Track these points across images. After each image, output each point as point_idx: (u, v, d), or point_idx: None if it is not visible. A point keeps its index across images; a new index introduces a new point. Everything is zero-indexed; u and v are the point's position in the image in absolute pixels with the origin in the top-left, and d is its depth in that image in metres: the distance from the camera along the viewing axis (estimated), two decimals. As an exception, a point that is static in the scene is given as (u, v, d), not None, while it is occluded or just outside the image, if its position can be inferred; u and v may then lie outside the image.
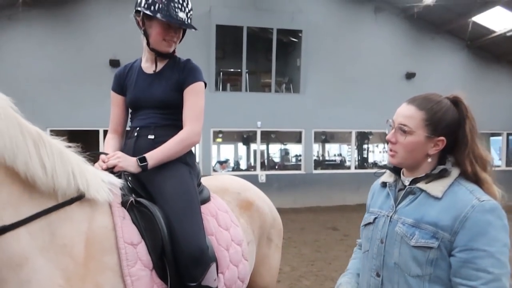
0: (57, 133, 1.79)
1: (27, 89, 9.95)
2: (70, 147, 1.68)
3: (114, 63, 11.06)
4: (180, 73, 2.05)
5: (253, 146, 14.62)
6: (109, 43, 11.00)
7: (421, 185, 1.36)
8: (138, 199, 1.81)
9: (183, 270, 1.76)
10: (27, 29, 10.65)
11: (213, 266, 1.88)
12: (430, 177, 1.35)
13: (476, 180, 1.33)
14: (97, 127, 10.80)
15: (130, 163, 1.86)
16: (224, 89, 12.18)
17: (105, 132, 10.09)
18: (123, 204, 1.76)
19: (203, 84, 2.08)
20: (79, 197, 1.61)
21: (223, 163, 14.61)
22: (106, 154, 1.94)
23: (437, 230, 1.26)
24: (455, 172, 1.35)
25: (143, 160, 1.87)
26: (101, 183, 1.70)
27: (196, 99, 2.03)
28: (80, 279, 1.51)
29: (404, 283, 1.31)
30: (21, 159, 1.42)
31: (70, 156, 1.64)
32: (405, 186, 1.42)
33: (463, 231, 1.23)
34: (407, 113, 1.37)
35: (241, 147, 16.96)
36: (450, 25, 12.63)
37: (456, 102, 1.38)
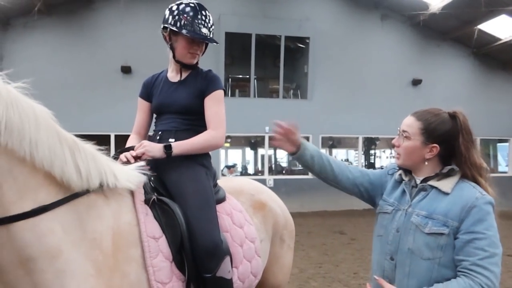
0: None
1: (41, 95, 10.16)
2: (100, 150, 1.87)
3: (125, 70, 11.33)
4: (202, 82, 2.21)
5: (260, 151, 14.79)
6: (120, 50, 11.27)
7: (432, 182, 1.60)
8: (160, 197, 1.97)
9: (199, 262, 1.92)
10: (42, 36, 10.96)
11: (227, 259, 2.02)
12: (440, 176, 1.60)
13: (475, 182, 1.59)
14: (108, 131, 11.04)
15: (156, 150, 2.04)
16: (232, 95, 12.39)
17: (116, 136, 10.34)
18: (146, 201, 1.92)
19: (222, 92, 2.24)
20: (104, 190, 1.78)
21: (230, 168, 14.77)
22: (132, 148, 2.11)
23: (447, 219, 1.51)
24: (459, 172, 1.61)
25: (169, 147, 2.04)
26: (131, 173, 1.88)
27: (218, 107, 2.19)
28: (109, 269, 1.66)
29: (416, 265, 1.54)
30: (58, 165, 1.59)
31: (101, 158, 1.82)
32: (417, 184, 1.66)
33: (468, 218, 1.48)
34: (408, 123, 1.67)
35: (249, 152, 17.13)
36: (456, 33, 12.78)
37: (454, 116, 1.63)
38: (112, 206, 1.79)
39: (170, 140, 2.14)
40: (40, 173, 1.56)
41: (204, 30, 2.15)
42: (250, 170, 15.06)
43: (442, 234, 1.50)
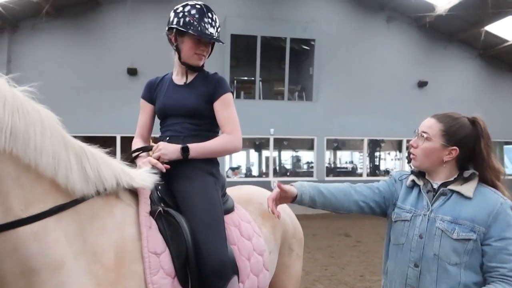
0: (75, 139, 1.89)
1: (48, 97, 10.23)
2: (109, 153, 1.82)
3: (131, 72, 11.39)
4: (209, 85, 2.14)
5: (264, 153, 14.79)
6: (127, 52, 11.35)
7: (453, 187, 1.60)
8: (166, 208, 1.88)
9: (206, 281, 1.83)
10: (50, 38, 11.07)
11: (235, 278, 1.93)
12: (460, 180, 1.61)
13: (492, 186, 1.61)
14: (114, 133, 11.10)
15: (172, 152, 1.99)
16: (238, 96, 12.41)
17: (122, 138, 10.38)
18: (152, 213, 1.83)
19: (231, 94, 2.18)
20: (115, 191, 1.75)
21: (235, 170, 14.77)
22: (147, 148, 2.09)
23: (474, 225, 1.52)
24: (477, 177, 1.62)
25: (186, 149, 1.99)
26: (145, 173, 1.84)
27: (230, 110, 2.14)
28: (110, 284, 1.60)
29: (443, 271, 1.55)
30: (62, 173, 1.55)
31: (113, 162, 1.77)
32: (433, 188, 1.66)
33: (496, 224, 1.51)
34: (428, 124, 1.67)
35: (253, 154, 17.14)
36: (462, 34, 12.72)
37: (473, 122, 1.65)
38: (116, 216, 1.74)
39: None
40: (45, 180, 1.53)
41: (211, 30, 2.11)
42: (255, 172, 15.04)
43: (469, 239, 1.52)
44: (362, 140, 13.33)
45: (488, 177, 1.60)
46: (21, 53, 10.91)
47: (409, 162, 1.79)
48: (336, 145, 15.30)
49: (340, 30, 12.51)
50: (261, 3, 12.15)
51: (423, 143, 1.64)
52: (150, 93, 2.28)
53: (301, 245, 2.63)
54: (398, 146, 14.38)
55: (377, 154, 15.26)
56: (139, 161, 2.06)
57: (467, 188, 1.58)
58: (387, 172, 14.83)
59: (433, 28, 12.54)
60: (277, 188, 1.72)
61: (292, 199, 1.76)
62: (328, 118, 12.32)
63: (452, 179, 1.63)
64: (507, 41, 12.36)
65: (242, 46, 12.06)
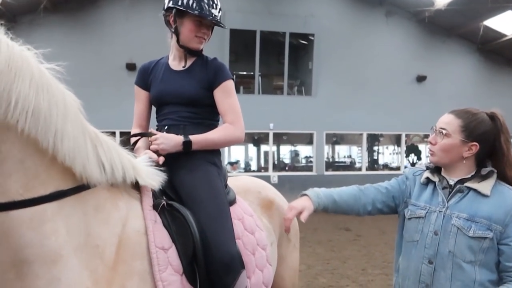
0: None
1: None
2: (119, 144, 1.73)
3: (130, 67, 11.36)
4: (208, 72, 2.01)
5: (263, 147, 14.82)
6: (125, 48, 11.30)
7: (470, 184, 1.59)
8: (170, 202, 1.78)
9: (214, 276, 1.73)
10: (48, 34, 10.99)
11: (244, 272, 1.84)
12: (478, 178, 1.59)
13: (511, 183, 1.59)
14: (114, 128, 11.07)
15: (172, 145, 1.86)
16: (237, 91, 12.00)
17: (121, 133, 10.37)
18: (155, 207, 1.73)
19: (232, 81, 2.05)
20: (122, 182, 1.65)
21: (233, 164, 14.81)
22: (151, 134, 1.94)
23: (491, 223, 1.52)
24: (495, 174, 1.60)
25: (188, 143, 1.88)
26: (151, 171, 1.74)
27: (231, 98, 2.01)
28: (107, 282, 1.49)
29: (457, 268, 1.55)
30: (80, 162, 1.46)
31: (123, 152, 1.68)
32: (449, 185, 1.64)
33: None
34: (446, 120, 1.64)
35: (251, 148, 17.17)
36: (461, 29, 12.74)
37: (492, 117, 1.63)
38: (121, 210, 1.63)
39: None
40: (58, 166, 1.43)
41: (214, 11, 1.97)
42: (253, 166, 15.08)
43: (485, 237, 1.52)
44: (361, 134, 13.37)
45: (508, 173, 1.58)
46: (41, 47, 10.84)
47: (418, 159, 1.77)
48: (335, 140, 15.35)
49: (339, 24, 12.50)
50: (260, -2, 12.12)
51: (442, 140, 1.61)
52: (144, 79, 2.12)
53: (297, 235, 2.56)
54: (396, 140, 14.44)
55: (375, 148, 15.33)
56: (136, 152, 1.91)
57: (485, 186, 1.57)
58: (385, 166, 14.90)
59: (432, 22, 12.55)
60: (294, 210, 1.72)
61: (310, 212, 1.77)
62: (327, 112, 12.35)
63: (469, 176, 1.61)
64: (505, 35, 12.39)
65: (241, 40, 12.04)
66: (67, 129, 1.43)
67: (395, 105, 12.62)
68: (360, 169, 13.77)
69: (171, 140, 1.87)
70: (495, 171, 1.59)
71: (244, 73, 12.71)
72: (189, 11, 1.91)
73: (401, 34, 13.00)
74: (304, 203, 1.74)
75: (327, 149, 14.13)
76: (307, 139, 13.70)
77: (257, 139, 14.84)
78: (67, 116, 1.44)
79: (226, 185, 2.11)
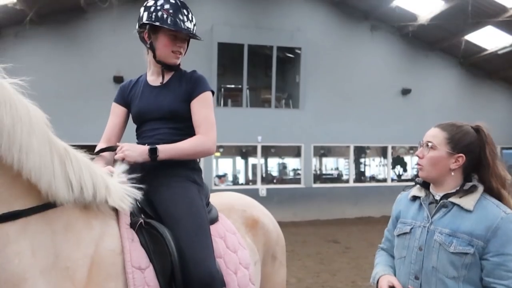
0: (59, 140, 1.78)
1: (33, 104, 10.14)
2: (92, 159, 1.69)
3: (118, 80, 11.30)
4: (188, 83, 2.01)
5: (251, 160, 14.81)
6: (113, 60, 11.26)
7: (454, 199, 1.59)
8: (148, 220, 1.74)
9: None
10: (34, 46, 10.90)
11: None
12: (461, 193, 1.59)
13: (498, 195, 1.59)
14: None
15: (138, 153, 1.81)
16: (225, 104, 12.43)
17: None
18: (132, 225, 1.69)
19: (211, 94, 2.04)
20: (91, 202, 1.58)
21: (221, 177, 14.74)
22: (112, 148, 1.88)
23: (472, 239, 1.51)
24: (481, 187, 1.59)
25: (154, 151, 1.83)
26: (125, 191, 1.67)
27: (207, 110, 1.99)
28: None
29: (441, 284, 1.54)
30: (45, 179, 1.40)
31: (95, 169, 1.63)
32: (436, 200, 1.65)
33: (495, 239, 1.48)
34: (432, 133, 1.66)
35: (239, 161, 17.13)
36: (443, 43, 13.07)
37: (477, 129, 1.65)
38: (94, 229, 1.56)
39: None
40: (23, 184, 1.38)
41: (188, 24, 1.96)
42: (241, 179, 15.03)
43: (467, 253, 1.50)
44: (348, 147, 13.48)
45: (494, 185, 1.58)
46: (4, 61, 10.69)
47: (415, 177, 1.76)
48: (322, 152, 15.44)
49: (325, 38, 12.69)
50: (248, 12, 12.26)
51: (429, 153, 1.62)
52: (123, 97, 2.11)
53: (283, 252, 2.51)
54: (383, 152, 14.59)
55: (362, 160, 15.45)
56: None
57: (468, 201, 1.56)
58: (372, 178, 15.01)
59: (415, 37, 12.84)
60: None
61: None
62: (314, 125, 12.44)
63: (454, 190, 1.61)
64: (485, 49, 12.73)
65: (229, 54, 12.11)
66: (32, 144, 1.38)
67: (381, 117, 12.80)
68: (347, 181, 13.84)
69: (137, 148, 1.84)
70: (479, 185, 1.60)
71: (232, 86, 12.75)
72: (163, 25, 1.91)
73: (385, 48, 13.26)
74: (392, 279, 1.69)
75: (314, 161, 14.21)
76: (295, 152, 13.75)
77: (245, 152, 14.83)
78: (32, 131, 1.40)
79: (208, 203, 2.07)
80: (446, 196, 1.62)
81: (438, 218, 1.60)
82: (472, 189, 1.58)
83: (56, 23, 11.08)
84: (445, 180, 1.63)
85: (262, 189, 12.18)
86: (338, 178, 15.04)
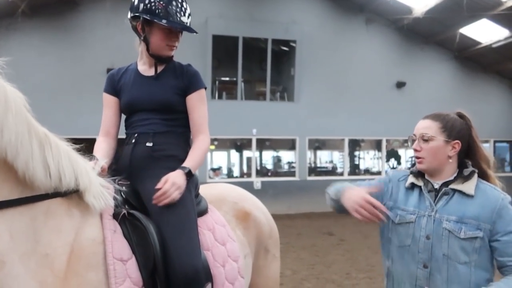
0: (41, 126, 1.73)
1: (25, 99, 10.05)
2: (78, 150, 1.67)
3: (111, 72, 11.22)
4: (183, 78, 1.99)
5: (245, 153, 14.81)
6: (106, 53, 11.16)
7: (455, 186, 1.63)
8: (131, 211, 1.71)
9: None
10: (26, 39, 10.78)
11: (208, 286, 1.80)
12: (461, 179, 1.64)
13: (486, 176, 1.67)
14: (95, 135, 10.81)
15: (182, 182, 1.81)
16: (220, 97, 12.40)
17: (104, 140, 10.07)
18: (115, 216, 1.66)
19: (205, 90, 2.07)
20: (71, 192, 1.54)
21: (216, 170, 14.74)
22: (93, 157, 1.83)
23: (480, 223, 1.57)
24: (476, 174, 1.65)
25: (189, 173, 1.86)
26: (101, 190, 1.63)
27: (204, 108, 2.03)
28: None
29: (453, 270, 1.58)
30: (22, 158, 1.36)
31: (77, 158, 1.60)
32: (435, 188, 1.68)
33: (500, 220, 1.56)
34: (425, 125, 1.69)
35: (234, 154, 17.14)
36: (438, 37, 13.08)
37: (461, 115, 1.72)
38: (75, 217, 1.53)
39: (148, 144, 1.91)
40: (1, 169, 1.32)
41: (183, 19, 1.93)
42: (236, 172, 15.05)
43: (476, 237, 1.56)
44: (343, 139, 13.52)
45: (482, 166, 1.65)
46: None
47: (412, 166, 1.76)
48: (317, 145, 15.48)
49: (320, 31, 12.66)
50: (243, 4, 12.18)
51: (429, 144, 1.65)
52: (113, 86, 2.06)
53: (277, 245, 2.47)
54: (377, 145, 14.65)
55: (356, 153, 15.52)
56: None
57: (469, 186, 1.61)
58: (367, 171, 15.10)
59: (410, 30, 12.85)
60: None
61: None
62: (309, 118, 12.45)
63: (452, 178, 1.66)
64: (480, 43, 12.77)
65: (223, 47, 12.06)
66: (7, 121, 1.34)
67: (376, 110, 12.83)
68: (342, 174, 13.90)
69: (177, 177, 1.80)
70: (476, 170, 1.65)
71: (227, 79, 12.70)
72: (159, 22, 1.86)
73: (380, 41, 13.26)
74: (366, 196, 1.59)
75: (309, 154, 14.24)
76: (290, 145, 13.77)
77: (240, 145, 14.82)
78: (8, 108, 1.35)
79: (197, 195, 2.05)
80: (446, 183, 1.66)
81: (442, 206, 1.64)
82: (471, 175, 1.63)
83: (49, 15, 10.95)
84: (444, 169, 1.67)
85: (257, 182, 12.20)
86: (332, 171, 15.11)
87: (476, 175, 1.64)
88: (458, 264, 1.57)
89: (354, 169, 14.95)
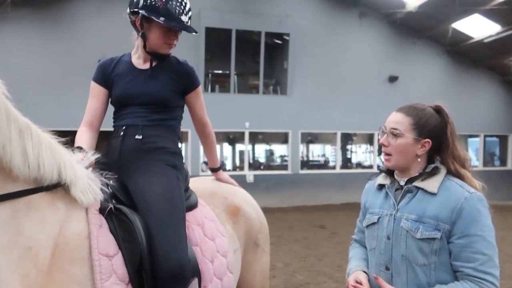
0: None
1: (15, 89, 9.83)
2: (64, 143, 1.64)
3: (103, 64, 11.10)
4: (181, 77, 1.99)
5: (238, 147, 14.80)
6: (98, 44, 11.02)
7: (417, 183, 1.52)
8: (118, 206, 1.68)
9: (161, 285, 1.65)
10: (16, 29, 10.59)
11: (195, 281, 1.77)
12: (424, 175, 1.52)
13: (458, 176, 1.53)
14: (86, 127, 10.82)
15: (226, 176, 2.39)
16: (213, 90, 12.35)
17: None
18: (101, 210, 1.63)
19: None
20: (55, 186, 1.51)
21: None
22: (81, 148, 1.80)
23: (438, 223, 1.44)
24: (444, 169, 1.54)
25: (221, 166, 2.34)
26: (89, 184, 1.60)
27: (202, 101, 2.17)
28: None
29: (412, 273, 1.47)
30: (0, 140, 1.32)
31: (60, 151, 1.56)
32: (401, 186, 1.58)
33: (460, 220, 1.42)
34: (396, 119, 1.57)
35: (226, 148, 17.12)
36: (431, 31, 13.12)
37: (438, 110, 1.59)
38: (60, 211, 1.49)
39: (137, 137, 1.88)
40: None
41: (184, 18, 1.89)
42: (229, 166, 15.06)
43: (434, 238, 1.44)
44: (335, 133, 13.57)
45: (451, 166, 1.52)
46: None
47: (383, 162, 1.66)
48: (310, 139, 15.52)
49: (314, 25, 12.63)
50: (236, -3, 12.10)
51: (396, 141, 1.54)
52: (105, 77, 2.01)
53: (267, 240, 2.45)
54: (369, 139, 14.73)
55: (349, 147, 15.59)
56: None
57: (431, 184, 1.50)
58: (359, 165, 15.19)
59: (403, 24, 12.87)
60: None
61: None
62: (302, 112, 12.46)
63: (417, 174, 1.54)
64: (472, 38, 12.83)
65: (216, 39, 11.98)
66: None
67: (368, 104, 12.87)
68: (334, 167, 13.97)
69: (223, 175, 2.43)
70: (442, 167, 1.54)
71: (220, 71, 12.65)
72: (159, 21, 1.83)
73: (374, 35, 13.27)
74: (359, 275, 1.63)
75: (301, 148, 14.28)
76: (282, 138, 13.79)
77: (233, 138, 14.81)
78: None
79: (187, 189, 2.04)
80: (410, 180, 1.55)
81: (404, 204, 1.54)
82: (435, 171, 1.52)
83: (39, 5, 10.77)
84: (412, 167, 1.57)
85: (250, 175, 12.21)
86: (325, 165, 15.18)
87: (443, 172, 1.53)
88: (417, 266, 1.46)
89: (346, 162, 15.02)
